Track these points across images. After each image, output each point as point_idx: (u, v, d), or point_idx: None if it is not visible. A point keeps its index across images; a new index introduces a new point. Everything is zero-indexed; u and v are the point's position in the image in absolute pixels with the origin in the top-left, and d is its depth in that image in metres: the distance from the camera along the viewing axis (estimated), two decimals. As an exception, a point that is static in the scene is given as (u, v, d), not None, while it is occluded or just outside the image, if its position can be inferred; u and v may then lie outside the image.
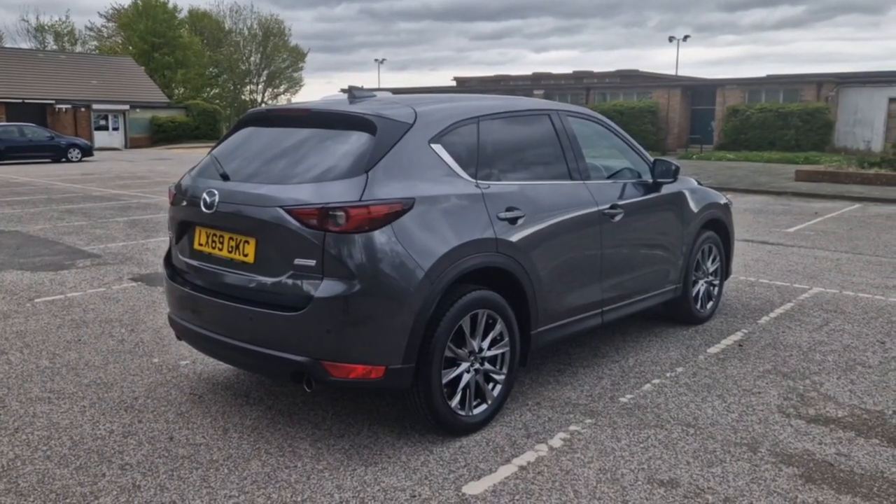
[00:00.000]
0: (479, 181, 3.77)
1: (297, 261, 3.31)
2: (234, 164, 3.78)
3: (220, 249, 3.65)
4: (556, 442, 3.63)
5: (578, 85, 40.52)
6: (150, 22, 55.23)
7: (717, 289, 5.89)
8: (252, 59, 66.58)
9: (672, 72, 51.01)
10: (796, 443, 3.63)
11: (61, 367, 4.70)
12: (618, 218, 4.58)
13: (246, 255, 3.51)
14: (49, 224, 11.17)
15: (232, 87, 66.33)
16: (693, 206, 5.40)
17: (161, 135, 43.73)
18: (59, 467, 3.36)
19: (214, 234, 3.69)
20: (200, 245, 3.78)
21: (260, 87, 67.86)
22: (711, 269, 5.80)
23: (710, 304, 5.80)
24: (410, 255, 3.32)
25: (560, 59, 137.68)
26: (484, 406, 3.76)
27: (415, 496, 3.10)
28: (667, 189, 5.12)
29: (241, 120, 4.20)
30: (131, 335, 5.38)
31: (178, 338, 4.12)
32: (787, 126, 29.36)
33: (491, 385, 3.80)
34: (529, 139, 4.27)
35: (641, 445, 3.59)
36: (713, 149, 31.60)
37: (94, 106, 41.45)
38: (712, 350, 5.07)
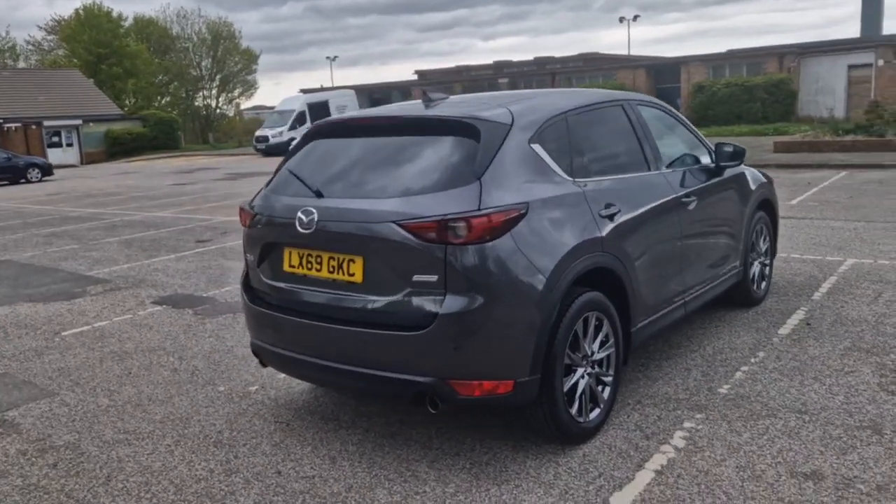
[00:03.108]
0: (575, 179, 3.64)
1: (417, 277, 3.13)
2: (321, 180, 3.57)
3: (319, 270, 3.45)
4: (679, 441, 3.53)
5: (542, 71, 40.59)
6: (94, 32, 53.39)
7: (768, 268, 5.87)
8: (203, 63, 64.97)
9: (624, 52, 51.40)
10: (916, 421, 3.59)
11: (124, 404, 4.43)
12: (692, 205, 4.49)
13: (352, 275, 3.32)
14: (38, 250, 10.69)
15: (184, 94, 64.68)
16: (752, 187, 5.36)
17: (118, 148, 42.44)
18: (172, 516, 3.14)
19: (309, 255, 3.48)
20: (292, 267, 3.57)
21: (213, 92, 66.35)
22: (763, 249, 5.77)
23: (763, 284, 5.77)
24: (531, 263, 3.18)
25: (510, 46, 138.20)
26: (597, 410, 3.65)
27: (564, 513, 2.97)
28: (728, 172, 5.06)
29: (308, 132, 3.99)
30: (182, 363, 5.12)
31: (263, 365, 3.92)
32: (753, 99, 29.80)
33: (601, 388, 3.69)
34: (611, 132, 4.16)
35: (765, 437, 3.51)
36: (680, 126, 31.87)
37: (45, 122, 40.09)
38: (782, 331, 5.03)
